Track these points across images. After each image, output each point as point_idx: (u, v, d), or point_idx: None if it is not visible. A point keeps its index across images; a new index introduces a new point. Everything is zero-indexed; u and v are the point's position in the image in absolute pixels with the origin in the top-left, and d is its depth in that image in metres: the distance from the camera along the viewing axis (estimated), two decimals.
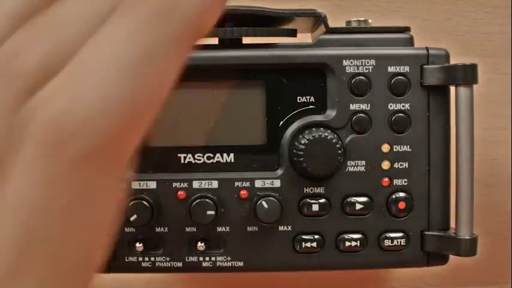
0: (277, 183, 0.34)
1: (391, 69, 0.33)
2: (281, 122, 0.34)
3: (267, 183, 0.33)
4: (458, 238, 0.33)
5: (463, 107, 0.32)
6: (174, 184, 0.34)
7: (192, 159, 0.34)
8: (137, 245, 0.35)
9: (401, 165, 0.33)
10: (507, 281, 0.42)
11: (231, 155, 0.34)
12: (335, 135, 0.33)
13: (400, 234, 0.34)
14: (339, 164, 0.33)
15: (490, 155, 0.46)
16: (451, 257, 0.34)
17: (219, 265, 0.34)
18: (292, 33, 0.35)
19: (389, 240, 0.34)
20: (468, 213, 0.33)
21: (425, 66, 0.33)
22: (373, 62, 0.33)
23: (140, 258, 0.35)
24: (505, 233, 0.43)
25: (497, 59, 0.45)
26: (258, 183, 0.34)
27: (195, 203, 0.33)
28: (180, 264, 0.35)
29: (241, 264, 0.34)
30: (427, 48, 0.34)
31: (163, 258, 0.35)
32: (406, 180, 0.34)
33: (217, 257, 0.34)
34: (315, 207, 0.34)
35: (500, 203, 0.45)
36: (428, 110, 0.33)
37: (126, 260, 0.35)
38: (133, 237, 0.35)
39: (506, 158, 0.46)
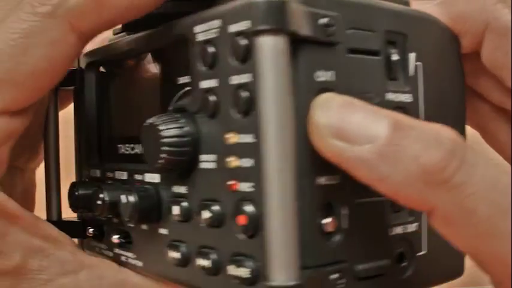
0: (157, 178, 0.29)
1: (232, 28, 0.24)
2: (169, 109, 0.29)
3: (151, 178, 0.29)
4: (268, 286, 0.21)
5: (264, 70, 0.21)
6: (107, 174, 0.33)
7: (124, 150, 0.33)
8: (89, 229, 0.35)
9: (246, 162, 0.23)
10: None
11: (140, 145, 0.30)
12: (179, 122, 0.26)
13: (246, 262, 0.23)
14: (168, 156, 0.26)
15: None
16: None
17: (129, 262, 0.31)
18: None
19: (235, 267, 0.24)
20: (279, 239, 0.21)
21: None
22: (218, 22, 0.24)
23: (96, 243, 0.35)
24: None
25: None
26: (147, 177, 0.30)
27: (93, 191, 0.31)
28: (111, 254, 0.33)
29: (141, 264, 0.31)
30: None
31: (104, 246, 0.34)
32: (253, 184, 0.23)
33: (128, 252, 0.32)
34: (176, 211, 0.27)
35: None
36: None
37: (91, 243, 0.35)
38: (91, 221, 0.35)
39: None
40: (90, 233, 0.35)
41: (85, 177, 0.36)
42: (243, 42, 0.23)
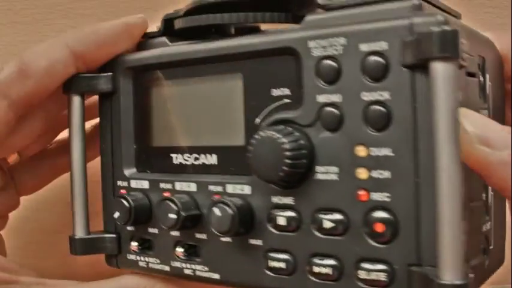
0: (247, 190, 0.29)
1: (363, 47, 0.25)
2: (257, 120, 0.29)
3: (237, 189, 0.29)
4: (441, 284, 0.23)
5: (440, 92, 0.23)
6: (161, 185, 0.32)
7: (182, 160, 0.32)
8: (132, 243, 0.34)
9: (381, 174, 0.25)
10: (507, 281, 0.40)
11: (214, 156, 0.31)
12: (294, 135, 0.27)
13: (380, 267, 0.26)
14: (291, 168, 0.26)
15: None
16: None
17: (198, 274, 0.31)
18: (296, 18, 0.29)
19: (366, 272, 0.26)
20: (454, 246, 0.23)
21: (406, 40, 0.24)
22: (343, 40, 0.26)
23: (138, 257, 0.34)
24: None
25: None
26: (230, 188, 0.30)
27: (160, 204, 0.31)
28: (167, 268, 0.33)
29: (217, 276, 0.31)
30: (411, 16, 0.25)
31: (154, 260, 0.33)
32: (388, 194, 0.25)
33: (197, 266, 0.31)
34: (281, 221, 0.28)
35: None
36: (415, 100, 0.24)
37: (128, 257, 0.34)
38: (133, 236, 0.34)
39: None
40: (134, 247, 0.34)
41: (120, 189, 0.34)
42: (380, 61, 0.25)
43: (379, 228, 0.25)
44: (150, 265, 0.33)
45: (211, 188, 0.31)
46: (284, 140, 0.27)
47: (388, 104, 0.25)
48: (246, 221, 0.29)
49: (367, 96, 0.26)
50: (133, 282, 0.34)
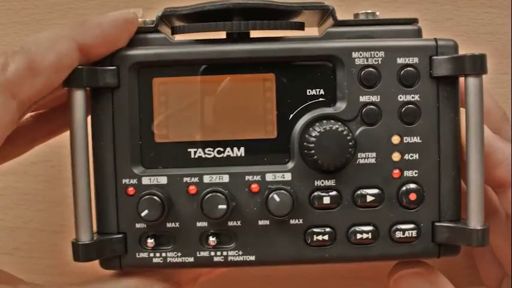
0: (287, 177, 0.33)
1: (400, 60, 0.33)
2: (291, 115, 0.34)
3: (278, 177, 0.33)
4: (469, 228, 0.32)
5: (472, 97, 0.32)
6: (185, 179, 0.34)
7: (202, 154, 0.34)
8: (148, 240, 0.34)
9: (411, 156, 0.33)
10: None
11: (242, 149, 0.34)
12: (345, 127, 0.33)
13: (411, 226, 0.34)
14: (350, 155, 0.33)
15: None
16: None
17: (231, 259, 0.34)
18: (300, 26, 0.35)
19: (401, 232, 0.33)
20: (478, 203, 0.32)
21: (434, 57, 0.33)
22: (382, 53, 0.33)
23: (152, 254, 0.34)
24: None
25: (497, 59, 0.45)
26: (269, 177, 0.33)
27: (206, 197, 0.33)
28: (191, 259, 0.34)
29: (252, 258, 0.34)
30: (435, 39, 0.33)
31: (175, 254, 0.34)
32: (416, 171, 0.33)
33: (229, 252, 0.34)
34: (326, 200, 0.33)
35: None
36: (438, 101, 0.33)
37: (138, 256, 0.34)
38: (145, 233, 0.34)
39: None
40: (150, 244, 0.33)
41: (127, 187, 0.33)
42: (413, 71, 0.33)
43: (412, 197, 0.33)
44: (169, 259, 0.34)
45: (248, 178, 0.33)
46: (346, 132, 0.32)
47: (418, 104, 0.33)
48: (296, 204, 0.33)
49: (402, 98, 0.33)
50: (132, 283, 0.34)
